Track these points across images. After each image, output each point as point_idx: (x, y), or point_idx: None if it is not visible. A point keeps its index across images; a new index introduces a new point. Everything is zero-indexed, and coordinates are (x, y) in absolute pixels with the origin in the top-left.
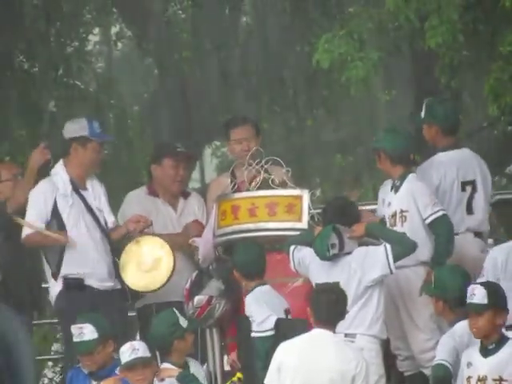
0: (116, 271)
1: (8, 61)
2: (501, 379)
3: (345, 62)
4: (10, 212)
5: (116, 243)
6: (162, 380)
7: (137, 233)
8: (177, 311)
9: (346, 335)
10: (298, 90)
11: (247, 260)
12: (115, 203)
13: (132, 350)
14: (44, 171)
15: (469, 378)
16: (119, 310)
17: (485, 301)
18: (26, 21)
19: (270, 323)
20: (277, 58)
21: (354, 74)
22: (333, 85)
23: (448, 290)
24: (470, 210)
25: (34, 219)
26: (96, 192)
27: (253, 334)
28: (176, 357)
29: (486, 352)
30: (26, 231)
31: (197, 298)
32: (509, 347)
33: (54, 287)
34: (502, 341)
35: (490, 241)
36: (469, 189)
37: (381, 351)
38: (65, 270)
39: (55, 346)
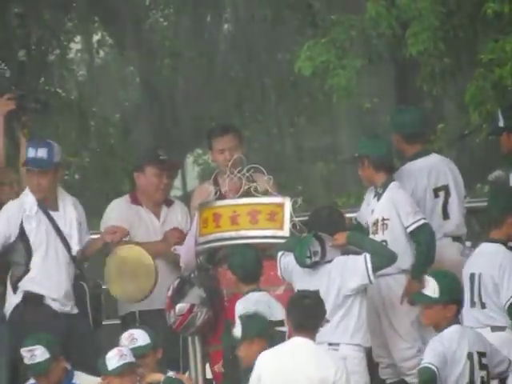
0: (79, 295)
1: None
2: None
3: (327, 70)
4: None
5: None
6: None
7: (114, 244)
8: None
9: (330, 344)
10: (280, 97)
11: (243, 263)
12: (96, 211)
13: (120, 355)
14: (11, 121)
15: None
16: (81, 334)
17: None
18: (7, 28)
19: None
20: (258, 65)
21: (336, 82)
22: (314, 92)
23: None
24: (445, 214)
25: None
26: (68, 215)
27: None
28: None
29: None
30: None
31: (178, 306)
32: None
33: (12, 298)
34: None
35: (468, 243)
36: (442, 194)
37: (364, 359)
38: (25, 287)
39: None
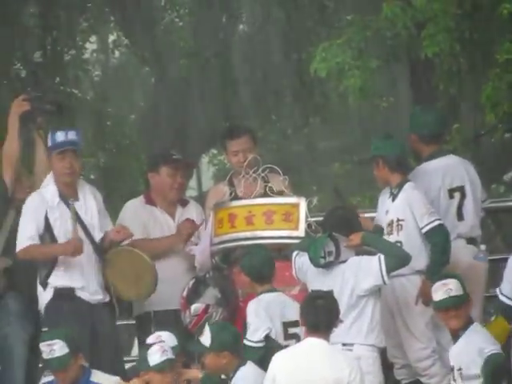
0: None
1: (4, 68)
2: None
3: (342, 71)
4: None
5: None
6: (188, 382)
7: (116, 242)
8: None
9: (344, 345)
10: (295, 98)
11: (255, 263)
12: (112, 211)
13: (162, 351)
14: (26, 122)
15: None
16: (109, 323)
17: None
18: (23, 29)
19: (259, 335)
20: (274, 66)
21: (352, 83)
22: (330, 93)
23: None
24: (460, 216)
25: (28, 236)
26: (88, 205)
27: (244, 341)
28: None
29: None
30: (22, 244)
31: (194, 307)
32: (466, 336)
33: (43, 296)
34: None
35: (483, 246)
36: (457, 195)
37: (378, 359)
38: (55, 282)
39: None
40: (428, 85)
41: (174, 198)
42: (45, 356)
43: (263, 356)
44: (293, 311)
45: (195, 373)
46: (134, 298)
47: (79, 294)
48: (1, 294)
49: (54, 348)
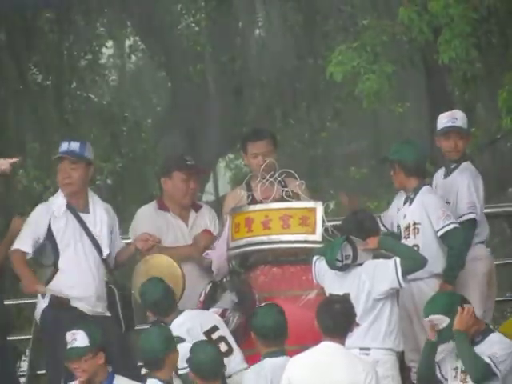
0: (109, 299)
1: (21, 74)
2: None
3: (358, 75)
4: None
5: (121, 266)
6: None
7: (145, 251)
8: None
9: (361, 349)
10: (312, 102)
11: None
12: (128, 216)
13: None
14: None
15: (456, 368)
16: (115, 336)
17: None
18: (40, 34)
19: None
20: (290, 70)
21: (367, 87)
22: (346, 97)
23: None
24: None
25: (24, 241)
26: (98, 218)
27: None
28: (166, 372)
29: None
30: (14, 245)
31: (211, 311)
32: (495, 335)
33: (40, 303)
34: (486, 331)
35: (487, 250)
36: None
37: (397, 363)
38: (51, 291)
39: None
40: (444, 90)
41: (187, 204)
42: (68, 346)
43: None
44: None
45: None
46: None
47: (77, 304)
48: None
49: (76, 338)
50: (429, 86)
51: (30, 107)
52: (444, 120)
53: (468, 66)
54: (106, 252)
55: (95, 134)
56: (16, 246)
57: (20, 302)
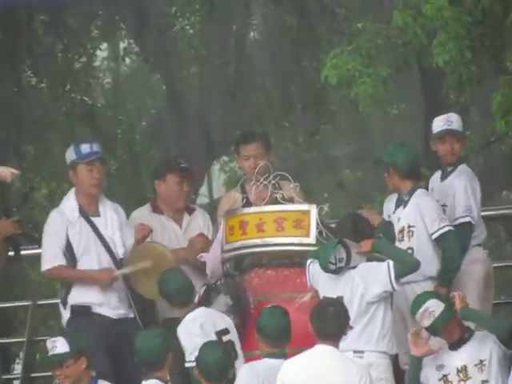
0: (131, 299)
1: (15, 76)
2: (481, 362)
3: (353, 78)
4: None
5: None
6: None
7: (140, 240)
8: None
9: (355, 352)
10: (306, 105)
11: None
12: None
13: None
14: (13, 241)
15: (444, 376)
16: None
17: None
18: (34, 36)
19: None
20: (285, 73)
21: (362, 90)
22: (341, 100)
23: None
24: None
25: (54, 255)
26: (109, 220)
27: None
28: (165, 372)
29: (457, 345)
30: (49, 264)
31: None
32: (479, 335)
33: (64, 314)
34: (469, 332)
35: (485, 252)
36: None
37: (390, 366)
38: (72, 299)
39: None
40: (438, 92)
41: (181, 206)
42: (48, 354)
43: None
44: None
45: None
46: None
47: (98, 310)
48: None
49: (56, 345)
50: (424, 89)
51: (24, 109)
52: (440, 123)
53: (463, 68)
54: (120, 252)
55: (89, 136)
56: (51, 264)
57: (14, 304)
